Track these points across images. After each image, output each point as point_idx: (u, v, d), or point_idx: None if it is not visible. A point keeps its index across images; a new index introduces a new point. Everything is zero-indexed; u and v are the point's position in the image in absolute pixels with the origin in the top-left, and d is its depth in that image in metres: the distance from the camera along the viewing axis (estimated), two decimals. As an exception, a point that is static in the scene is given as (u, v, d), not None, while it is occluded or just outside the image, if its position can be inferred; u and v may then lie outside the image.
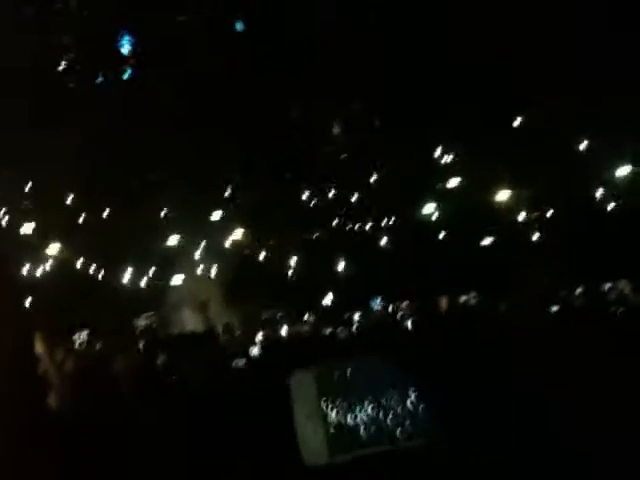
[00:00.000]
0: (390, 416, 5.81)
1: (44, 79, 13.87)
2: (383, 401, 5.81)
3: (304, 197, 15.15)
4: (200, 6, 13.59)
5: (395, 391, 5.84)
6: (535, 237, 13.41)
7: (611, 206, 13.44)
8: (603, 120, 12.87)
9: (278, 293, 14.71)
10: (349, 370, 5.82)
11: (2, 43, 12.83)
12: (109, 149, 14.14)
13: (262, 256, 15.52)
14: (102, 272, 15.95)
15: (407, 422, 5.78)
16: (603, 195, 13.50)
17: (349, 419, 5.80)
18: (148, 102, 13.73)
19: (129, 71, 14.19)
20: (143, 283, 16.24)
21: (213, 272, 15.92)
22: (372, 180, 14.75)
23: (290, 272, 14.76)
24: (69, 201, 15.54)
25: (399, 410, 5.81)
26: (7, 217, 14.89)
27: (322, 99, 13.66)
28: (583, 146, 13.66)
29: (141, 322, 14.98)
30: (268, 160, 14.00)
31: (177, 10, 13.56)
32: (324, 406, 5.77)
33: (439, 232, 14.16)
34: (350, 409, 5.82)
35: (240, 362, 9.12)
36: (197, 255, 15.84)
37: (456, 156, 13.94)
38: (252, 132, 13.58)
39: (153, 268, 15.77)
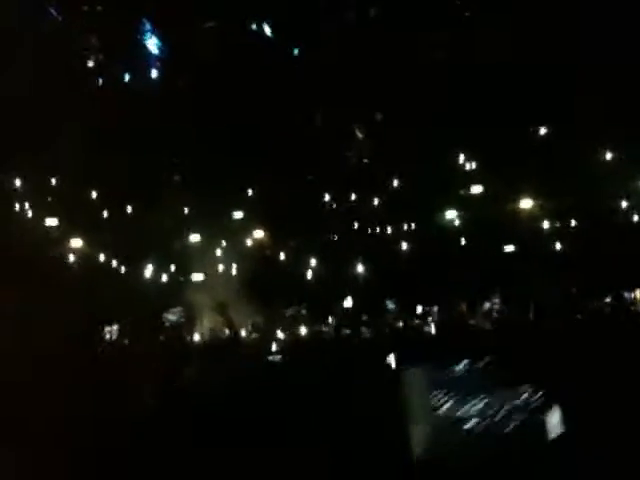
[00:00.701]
0: (498, 412, 5.98)
1: (67, 75, 13.86)
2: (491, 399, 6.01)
3: (325, 199, 15.04)
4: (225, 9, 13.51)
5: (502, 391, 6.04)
6: (558, 247, 13.14)
7: (636, 218, 13.16)
8: (628, 130, 12.63)
9: (298, 294, 14.63)
10: (459, 369, 6.11)
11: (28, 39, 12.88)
12: (133, 147, 14.14)
13: (282, 257, 15.41)
14: (124, 268, 15.97)
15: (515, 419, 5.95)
16: (627, 207, 13.22)
17: (459, 412, 6.01)
18: (172, 101, 13.69)
19: (154, 70, 14.13)
20: (164, 279, 16.24)
21: (234, 271, 15.84)
22: (394, 184, 14.59)
23: (310, 274, 14.60)
24: (93, 197, 15.57)
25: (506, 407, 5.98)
26: (32, 211, 14.96)
27: (345, 103, 13.55)
28: (608, 156, 13.40)
29: (169, 317, 14.88)
30: (290, 162, 13.90)
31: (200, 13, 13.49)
32: (435, 400, 6.04)
33: (460, 239, 13.94)
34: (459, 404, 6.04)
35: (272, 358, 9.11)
36: (217, 254, 15.79)
37: (479, 164, 13.74)
38: (275, 134, 13.50)
39: (173, 266, 15.73)
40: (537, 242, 13.47)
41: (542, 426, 6.09)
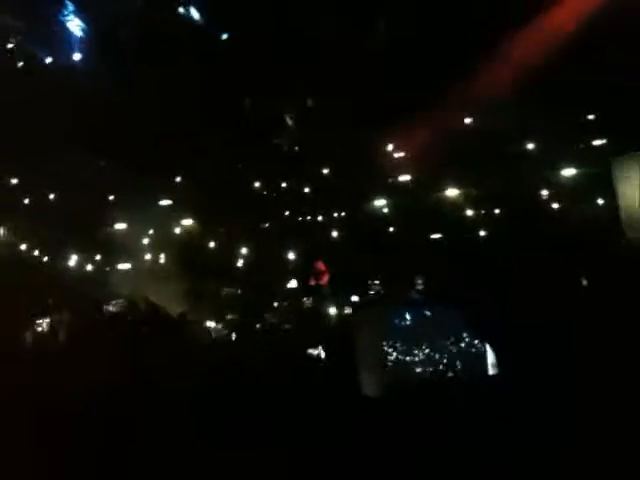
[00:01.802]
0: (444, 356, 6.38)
1: None
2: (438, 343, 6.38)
3: (255, 187, 14.81)
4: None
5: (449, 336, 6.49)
6: (481, 234, 13.34)
7: (555, 206, 13.48)
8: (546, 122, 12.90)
9: (226, 281, 14.36)
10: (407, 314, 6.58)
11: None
12: (56, 131, 13.51)
13: (211, 245, 15.10)
14: (47, 257, 15.33)
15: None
16: (548, 196, 13.52)
17: (407, 358, 6.44)
18: (98, 84, 13.15)
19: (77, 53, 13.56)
20: (89, 268, 15.68)
21: (161, 260, 15.41)
22: (323, 173, 14.50)
23: (240, 262, 14.37)
24: (14, 183, 14.88)
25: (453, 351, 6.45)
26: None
27: (277, 91, 13.33)
28: (530, 146, 13.67)
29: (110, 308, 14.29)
30: (220, 149, 13.59)
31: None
32: (385, 345, 6.47)
33: (387, 226, 13.98)
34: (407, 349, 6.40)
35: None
36: (144, 242, 15.34)
37: (407, 154, 13.81)
38: (205, 120, 13.15)
39: (99, 255, 15.20)
40: (461, 229, 13.62)
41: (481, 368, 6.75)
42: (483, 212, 13.60)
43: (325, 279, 12.98)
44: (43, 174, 14.75)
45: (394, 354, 6.74)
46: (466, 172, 13.53)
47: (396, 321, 6.90)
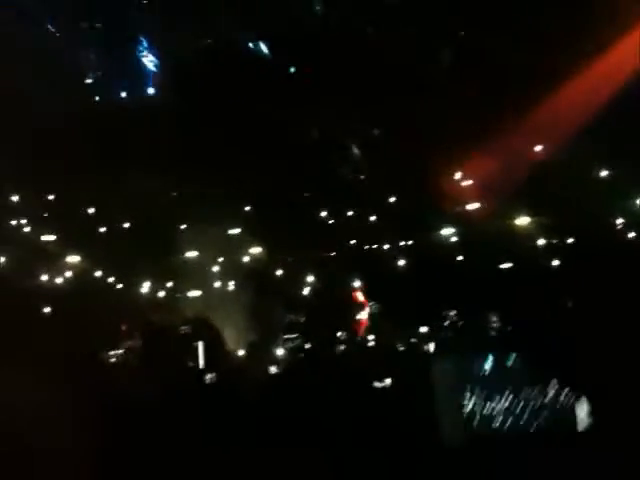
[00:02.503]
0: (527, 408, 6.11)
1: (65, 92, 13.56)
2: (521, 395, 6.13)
3: (322, 216, 14.71)
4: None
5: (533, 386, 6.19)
6: (555, 263, 12.80)
7: (631, 235, 12.84)
8: (623, 148, 12.35)
9: (295, 309, 14.26)
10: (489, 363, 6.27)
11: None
12: (131, 163, 13.80)
13: (279, 273, 15.05)
14: (120, 283, 15.59)
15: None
16: (623, 224, 12.90)
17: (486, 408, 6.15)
18: (169, 118, 13.36)
19: (150, 87, 13.82)
20: (161, 295, 15.87)
21: (231, 287, 15.47)
22: (390, 201, 14.26)
23: (307, 290, 14.22)
24: (90, 212, 15.22)
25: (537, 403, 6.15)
26: (29, 227, 14.59)
27: (342, 119, 13.25)
28: (603, 174, 13.11)
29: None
30: (287, 179, 13.57)
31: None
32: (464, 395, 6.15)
33: (456, 256, 13.59)
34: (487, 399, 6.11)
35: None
36: (214, 270, 15.43)
37: (475, 181, 13.44)
38: (272, 150, 13.18)
39: (171, 282, 15.36)
40: (533, 259, 13.12)
41: (570, 422, 6.23)
42: (555, 241, 13.08)
43: (363, 311, 12.78)
44: (118, 204, 15.08)
45: (474, 401, 6.35)
46: (537, 200, 13.07)
47: (477, 366, 6.50)
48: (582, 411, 6.37)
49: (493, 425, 6.33)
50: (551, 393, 6.43)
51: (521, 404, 6.38)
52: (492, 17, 11.92)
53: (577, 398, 6.43)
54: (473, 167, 13.36)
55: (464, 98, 12.12)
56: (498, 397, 6.39)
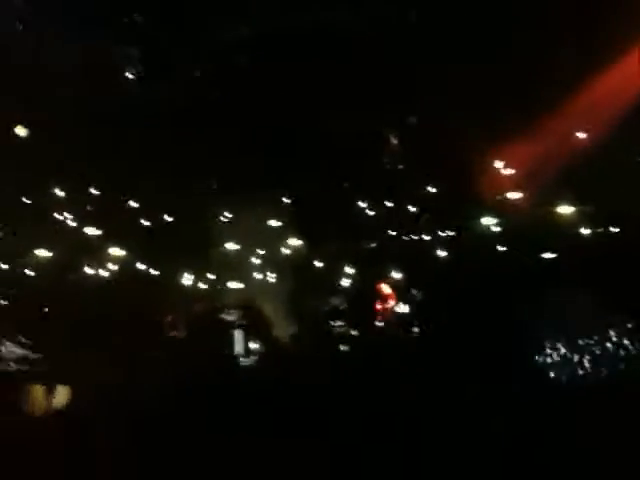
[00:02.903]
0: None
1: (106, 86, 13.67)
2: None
3: (361, 206, 14.57)
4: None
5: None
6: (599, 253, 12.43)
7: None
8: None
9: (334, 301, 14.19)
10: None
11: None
12: (171, 157, 13.87)
13: (319, 264, 14.99)
14: (163, 276, 15.72)
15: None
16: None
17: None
18: (207, 110, 13.37)
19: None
20: (203, 286, 15.97)
21: (271, 279, 15.48)
22: (430, 191, 14.04)
23: (346, 281, 14.11)
24: (132, 206, 15.36)
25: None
26: (72, 220, 14.80)
27: (380, 110, 13.07)
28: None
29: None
30: (325, 169, 13.46)
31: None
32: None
33: (498, 245, 13.32)
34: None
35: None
36: (254, 261, 15.45)
37: (517, 170, 13.13)
38: (310, 140, 13.09)
39: (212, 274, 15.43)
40: (575, 249, 12.77)
41: None
42: (600, 230, 12.70)
43: (391, 303, 12.60)
44: (161, 197, 15.20)
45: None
46: (581, 188, 12.71)
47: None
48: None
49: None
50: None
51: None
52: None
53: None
54: (514, 155, 13.07)
55: (504, 86, 11.84)
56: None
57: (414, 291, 13.60)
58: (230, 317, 14.08)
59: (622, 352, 6.26)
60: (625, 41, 11.22)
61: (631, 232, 12.21)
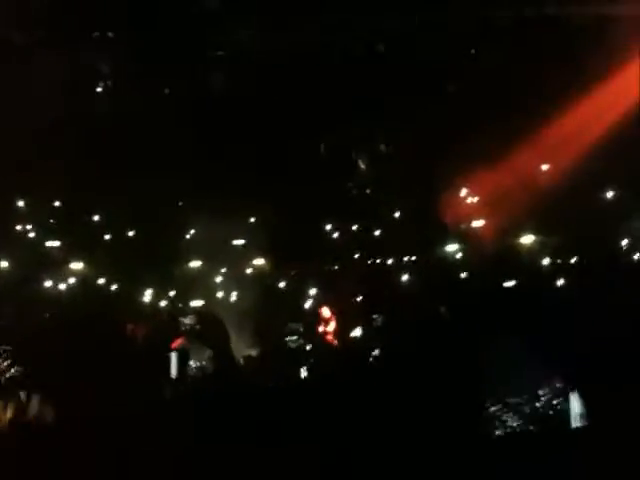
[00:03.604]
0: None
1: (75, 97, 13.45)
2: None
3: (326, 229, 14.54)
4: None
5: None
6: (559, 283, 12.62)
7: (637, 256, 12.67)
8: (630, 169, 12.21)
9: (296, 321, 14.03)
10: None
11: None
12: (137, 171, 13.66)
13: (282, 285, 14.86)
14: (123, 291, 15.40)
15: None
16: (628, 246, 12.73)
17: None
18: (177, 127, 13.23)
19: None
20: (163, 304, 15.69)
21: (232, 298, 15.28)
22: (395, 216, 14.10)
23: (309, 303, 14.00)
24: (95, 219, 15.07)
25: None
26: (33, 233, 14.44)
27: (348, 134, 13.12)
28: (609, 195, 12.97)
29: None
30: (292, 190, 13.42)
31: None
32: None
33: (460, 272, 13.41)
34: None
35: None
36: (217, 280, 15.25)
37: (481, 199, 13.29)
38: (278, 161, 13.04)
39: (173, 291, 15.17)
40: (537, 278, 12.93)
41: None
42: (559, 261, 12.89)
43: (332, 326, 12.56)
44: (123, 212, 14.95)
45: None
46: (543, 219, 12.91)
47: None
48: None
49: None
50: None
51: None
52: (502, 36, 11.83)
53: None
54: (479, 184, 13.22)
55: (472, 115, 11.99)
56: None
57: (375, 315, 13.55)
58: (187, 320, 13.79)
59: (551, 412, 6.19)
60: (590, 80, 11.49)
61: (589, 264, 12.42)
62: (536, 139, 12.03)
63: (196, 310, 14.18)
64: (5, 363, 11.10)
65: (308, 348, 12.11)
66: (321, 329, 12.89)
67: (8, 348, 11.35)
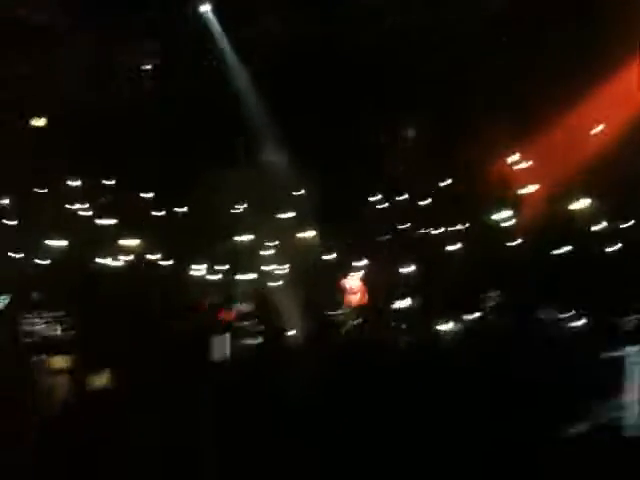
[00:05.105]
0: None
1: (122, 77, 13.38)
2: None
3: (373, 200, 14.18)
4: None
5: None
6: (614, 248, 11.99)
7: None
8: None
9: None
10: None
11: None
12: (185, 148, 13.56)
13: (332, 257, 14.61)
14: (177, 266, 15.43)
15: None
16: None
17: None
18: (219, 105, 13.04)
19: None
20: (215, 278, 15.66)
21: (285, 271, 15.12)
22: (443, 185, 13.63)
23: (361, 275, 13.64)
24: (146, 197, 15.07)
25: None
26: (88, 211, 14.55)
27: (392, 105, 12.69)
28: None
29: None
30: (338, 162, 13.09)
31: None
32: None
33: (512, 240, 12.89)
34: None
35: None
36: (268, 254, 15.10)
37: (533, 163, 12.68)
38: (323, 135, 12.73)
39: (224, 265, 15.10)
40: (591, 243, 12.32)
41: None
42: (616, 225, 12.24)
43: (356, 298, 12.15)
44: (175, 190, 14.92)
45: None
46: (596, 182, 12.25)
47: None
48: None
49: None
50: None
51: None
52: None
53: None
54: (529, 149, 12.64)
55: (520, 77, 11.42)
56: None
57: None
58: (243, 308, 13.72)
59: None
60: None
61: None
62: (588, 100, 11.38)
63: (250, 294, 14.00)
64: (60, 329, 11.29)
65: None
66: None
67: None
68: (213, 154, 13.81)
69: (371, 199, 13.99)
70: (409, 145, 13.65)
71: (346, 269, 13.46)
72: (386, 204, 14.00)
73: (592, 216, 12.52)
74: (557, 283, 11.25)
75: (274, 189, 13.61)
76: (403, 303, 12.08)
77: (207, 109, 13.31)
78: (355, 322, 11.62)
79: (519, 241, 12.78)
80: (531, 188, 12.78)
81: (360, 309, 12.43)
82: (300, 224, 14.35)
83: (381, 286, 12.77)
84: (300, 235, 14.37)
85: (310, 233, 14.51)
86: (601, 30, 11.27)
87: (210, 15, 13.14)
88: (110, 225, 14.45)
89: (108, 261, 14.14)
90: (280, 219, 14.39)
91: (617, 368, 5.73)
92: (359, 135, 13.03)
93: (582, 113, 12.00)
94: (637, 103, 11.38)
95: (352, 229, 13.68)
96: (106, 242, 14.11)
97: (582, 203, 12.49)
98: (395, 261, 13.24)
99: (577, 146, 11.97)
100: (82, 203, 14.54)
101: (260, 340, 11.05)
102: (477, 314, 11.15)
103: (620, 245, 12.05)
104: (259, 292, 14.26)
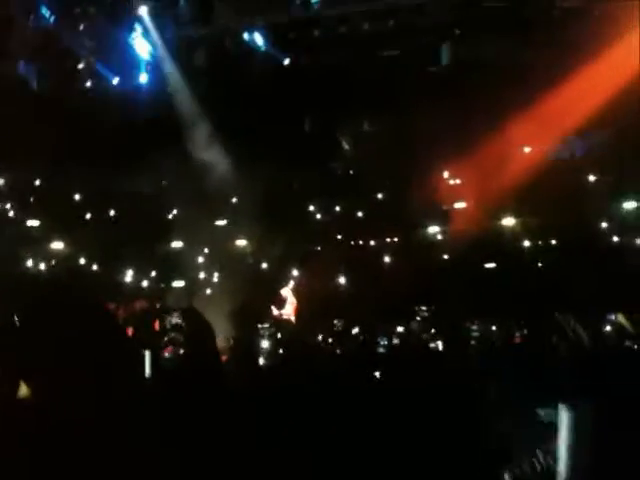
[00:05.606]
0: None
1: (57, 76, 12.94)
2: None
3: (310, 209, 14.19)
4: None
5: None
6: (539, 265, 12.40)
7: (615, 240, 12.47)
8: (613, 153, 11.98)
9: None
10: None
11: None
12: (118, 150, 13.19)
13: (264, 265, 14.51)
14: (104, 270, 14.98)
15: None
16: (607, 229, 12.53)
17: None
18: (158, 106, 12.76)
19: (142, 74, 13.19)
20: (145, 284, 15.29)
21: (215, 278, 14.90)
22: (379, 197, 13.78)
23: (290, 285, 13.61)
24: (76, 198, 14.62)
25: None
26: (14, 212, 13.96)
27: (333, 114, 12.72)
28: (591, 178, 12.74)
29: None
30: (277, 170, 13.01)
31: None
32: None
33: (441, 254, 13.14)
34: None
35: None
36: (199, 260, 14.86)
37: (463, 181, 12.98)
38: (262, 141, 12.62)
39: (154, 271, 14.77)
40: (518, 260, 12.70)
41: None
42: (540, 243, 12.65)
43: (289, 309, 12.17)
44: (105, 192, 14.50)
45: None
46: (524, 201, 12.65)
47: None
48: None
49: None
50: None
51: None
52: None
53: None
54: (462, 166, 12.92)
55: (457, 97, 11.64)
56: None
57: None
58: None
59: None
60: (576, 61, 11.18)
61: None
62: (519, 121, 11.73)
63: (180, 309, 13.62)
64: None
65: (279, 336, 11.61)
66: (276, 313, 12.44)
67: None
68: (149, 157, 13.49)
69: (308, 208, 13.98)
70: (347, 156, 13.70)
71: (279, 279, 13.37)
72: (321, 215, 14.03)
73: (520, 233, 12.91)
74: (485, 297, 11.53)
75: (211, 195, 13.39)
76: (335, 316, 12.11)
77: (143, 110, 13.01)
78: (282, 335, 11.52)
79: (448, 256, 13.05)
80: (463, 204, 13.07)
81: (288, 321, 12.35)
82: (235, 231, 14.20)
83: (314, 297, 12.73)
84: (234, 242, 14.22)
85: (244, 241, 14.37)
86: (533, 56, 11.64)
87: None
88: (35, 227, 13.93)
89: (29, 263, 13.63)
90: (215, 226, 14.20)
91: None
92: (299, 145, 12.99)
93: (513, 134, 12.35)
94: (564, 125, 11.81)
95: (287, 238, 13.62)
96: (31, 244, 13.59)
97: (510, 220, 12.87)
98: (328, 271, 13.26)
99: (508, 165, 12.31)
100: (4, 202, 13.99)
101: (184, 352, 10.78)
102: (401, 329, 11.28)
103: (544, 262, 12.49)
104: (188, 300, 13.99)
